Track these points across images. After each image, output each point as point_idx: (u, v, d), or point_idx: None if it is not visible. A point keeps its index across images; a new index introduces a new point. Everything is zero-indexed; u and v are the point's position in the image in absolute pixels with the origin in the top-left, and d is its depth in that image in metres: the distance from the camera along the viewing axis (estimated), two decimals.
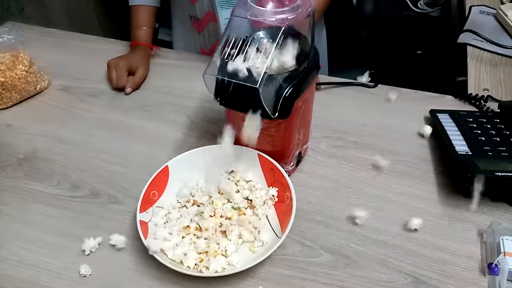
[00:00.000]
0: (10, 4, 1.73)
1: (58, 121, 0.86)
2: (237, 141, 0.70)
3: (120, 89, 0.92)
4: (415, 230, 0.64)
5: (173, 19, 1.10)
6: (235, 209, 0.63)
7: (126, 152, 0.79)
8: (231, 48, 0.57)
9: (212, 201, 0.65)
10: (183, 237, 0.61)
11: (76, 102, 0.91)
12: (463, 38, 1.00)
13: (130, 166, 0.76)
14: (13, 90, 0.87)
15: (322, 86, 0.90)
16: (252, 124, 0.61)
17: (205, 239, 0.60)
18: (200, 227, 0.61)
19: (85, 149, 0.80)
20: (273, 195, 0.65)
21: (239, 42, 0.57)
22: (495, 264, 0.54)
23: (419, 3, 1.85)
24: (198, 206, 0.65)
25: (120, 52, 0.99)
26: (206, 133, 0.82)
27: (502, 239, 0.59)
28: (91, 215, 0.69)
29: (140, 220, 0.61)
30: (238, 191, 0.66)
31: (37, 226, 0.68)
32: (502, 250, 0.58)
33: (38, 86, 0.92)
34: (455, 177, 0.71)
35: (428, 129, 0.78)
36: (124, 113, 0.88)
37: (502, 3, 1.12)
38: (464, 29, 1.02)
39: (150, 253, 0.57)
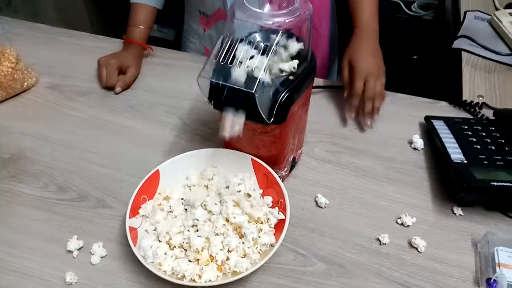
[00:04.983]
0: None
1: (46, 120, 0.84)
2: (231, 145, 0.69)
3: (110, 88, 0.90)
4: (410, 239, 0.63)
5: (185, 13, 1.08)
6: (227, 219, 0.61)
7: (116, 154, 0.77)
8: (227, 51, 0.56)
9: (204, 207, 0.63)
10: (173, 245, 0.59)
11: (64, 101, 0.88)
12: (458, 43, 1.00)
13: (120, 169, 0.74)
14: None
15: (316, 90, 0.89)
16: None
17: (196, 248, 0.58)
18: (189, 237, 0.60)
19: (73, 149, 0.78)
20: (267, 204, 0.64)
21: (236, 45, 0.56)
22: (494, 280, 0.53)
23: (412, 6, 1.86)
24: (186, 210, 0.64)
25: (111, 50, 0.96)
26: (198, 135, 0.80)
27: (496, 249, 0.59)
28: (79, 219, 0.67)
29: (129, 226, 0.59)
30: (230, 196, 0.65)
31: (21, 230, 0.66)
32: (496, 261, 0.57)
33: (25, 84, 0.89)
34: (450, 185, 0.70)
35: (420, 142, 0.77)
36: (114, 113, 0.86)
37: (497, 9, 1.12)
38: (459, 34, 1.01)
39: (144, 262, 0.55)
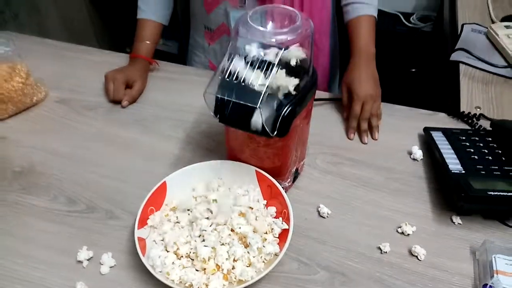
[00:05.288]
0: (4, 10, 1.73)
1: (55, 134, 0.86)
2: (235, 157, 0.71)
3: (117, 102, 0.93)
4: (410, 247, 0.65)
5: (190, 28, 1.12)
6: (233, 230, 0.63)
7: (123, 167, 0.79)
8: (232, 67, 0.58)
9: (210, 218, 0.65)
10: (181, 255, 0.61)
11: (72, 115, 0.91)
12: (455, 56, 1.02)
13: (127, 181, 0.76)
14: (9, 102, 0.87)
15: (318, 103, 0.91)
16: None
17: (203, 257, 0.60)
18: (196, 247, 0.61)
19: (81, 162, 0.80)
20: (271, 215, 0.66)
21: (240, 62, 0.58)
22: (490, 286, 0.55)
23: (411, 18, 1.89)
24: (192, 222, 0.66)
25: (117, 64, 0.99)
26: (203, 148, 0.82)
27: (494, 257, 0.60)
28: (88, 231, 0.69)
29: (138, 237, 0.61)
30: (236, 208, 0.66)
31: (32, 241, 0.67)
32: (494, 268, 0.59)
33: (35, 98, 0.91)
34: (449, 195, 0.72)
35: (419, 153, 0.79)
36: (121, 126, 0.88)
37: (493, 22, 1.15)
38: (456, 47, 1.04)
39: (153, 271, 0.57)
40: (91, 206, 0.73)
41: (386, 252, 0.65)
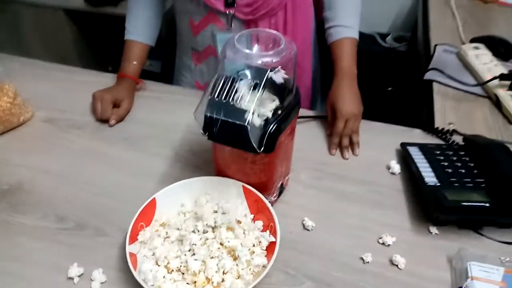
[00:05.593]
0: None
1: (42, 153, 0.87)
2: (223, 173, 0.74)
3: (104, 121, 0.94)
4: (391, 257, 0.68)
5: (177, 48, 1.15)
6: (222, 243, 0.65)
7: (111, 184, 0.81)
8: (221, 87, 0.61)
9: (199, 233, 0.67)
10: (171, 269, 0.62)
11: (59, 134, 0.92)
12: (429, 75, 1.08)
13: (115, 198, 0.78)
14: None
15: (301, 120, 0.95)
16: None
17: (193, 270, 0.61)
18: (186, 261, 0.63)
19: (70, 180, 0.81)
20: (258, 228, 0.68)
21: (229, 82, 0.61)
22: None
23: (387, 39, 1.97)
24: (181, 239, 0.67)
25: (102, 84, 1.01)
26: (191, 165, 0.84)
27: (469, 264, 0.64)
28: (78, 247, 0.70)
29: (129, 252, 0.62)
30: (224, 223, 0.69)
31: (22, 259, 0.68)
32: (469, 275, 0.62)
33: (22, 118, 0.92)
34: (425, 206, 0.76)
35: (397, 167, 0.84)
36: (108, 145, 0.90)
37: (463, 43, 1.22)
38: (429, 67, 1.10)
39: (145, 285, 0.59)
40: (81, 223, 0.74)
41: (368, 262, 0.68)
